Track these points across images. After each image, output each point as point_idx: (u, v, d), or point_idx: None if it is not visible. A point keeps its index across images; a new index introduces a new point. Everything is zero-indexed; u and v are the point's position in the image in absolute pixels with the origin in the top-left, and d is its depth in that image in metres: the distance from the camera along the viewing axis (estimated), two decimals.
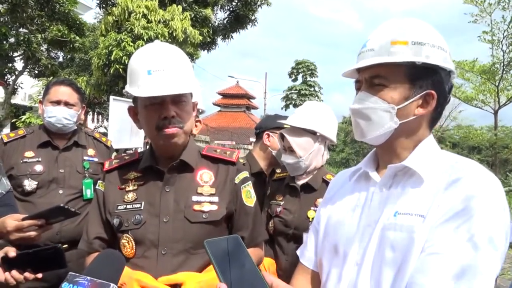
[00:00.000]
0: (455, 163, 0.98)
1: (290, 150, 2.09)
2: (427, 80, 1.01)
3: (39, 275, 1.42)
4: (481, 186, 0.90)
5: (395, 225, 0.95)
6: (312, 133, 2.09)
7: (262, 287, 0.86)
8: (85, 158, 2.41)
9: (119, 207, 1.39)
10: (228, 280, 0.85)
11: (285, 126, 2.28)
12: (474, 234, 0.85)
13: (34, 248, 1.45)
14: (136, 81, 1.34)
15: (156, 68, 1.31)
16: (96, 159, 2.45)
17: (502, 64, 4.71)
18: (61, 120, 2.31)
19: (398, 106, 1.01)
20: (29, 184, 2.22)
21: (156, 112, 1.33)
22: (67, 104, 2.34)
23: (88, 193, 2.35)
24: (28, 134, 2.40)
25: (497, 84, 4.82)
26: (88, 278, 0.96)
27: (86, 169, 2.38)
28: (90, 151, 2.46)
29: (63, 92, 2.36)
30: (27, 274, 1.41)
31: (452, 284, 0.83)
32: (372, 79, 1.04)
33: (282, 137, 2.16)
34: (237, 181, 1.47)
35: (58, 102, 2.33)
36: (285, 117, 2.40)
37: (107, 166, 1.51)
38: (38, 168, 2.27)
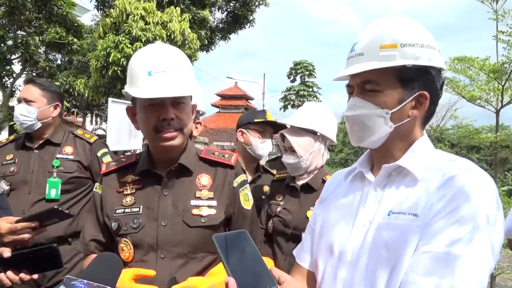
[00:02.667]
0: (449, 162, 0.98)
1: (291, 150, 2.10)
2: (418, 81, 1.01)
3: (35, 276, 1.42)
4: (474, 184, 0.90)
5: (389, 224, 0.96)
6: (312, 133, 2.10)
7: (270, 281, 0.86)
8: (57, 156, 2.34)
9: (117, 211, 1.39)
10: (236, 274, 0.86)
11: (277, 124, 2.32)
12: (468, 231, 0.85)
13: (29, 248, 1.45)
14: (136, 81, 1.32)
15: (156, 69, 1.29)
16: (72, 157, 2.37)
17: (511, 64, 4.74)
18: (17, 116, 2.29)
19: (392, 110, 1.01)
20: (2, 186, 2.18)
21: (155, 113, 1.32)
22: (26, 100, 2.32)
23: (53, 193, 2.25)
24: (17, 138, 2.43)
25: (503, 83, 4.83)
26: (85, 281, 0.96)
27: (55, 167, 2.30)
28: (67, 149, 2.39)
29: (24, 89, 2.38)
30: (22, 275, 1.40)
31: (446, 282, 0.83)
32: (363, 84, 1.04)
33: (282, 137, 2.16)
34: (235, 184, 1.47)
35: (19, 100, 2.36)
36: (262, 112, 2.44)
37: (104, 168, 1.51)
38: (12, 168, 2.27)
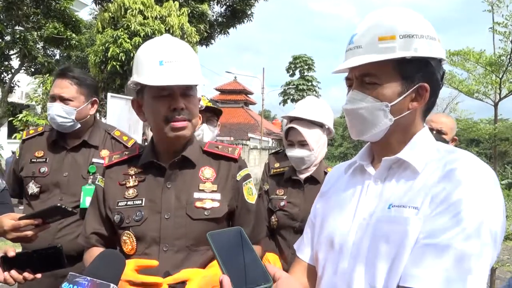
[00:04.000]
0: (449, 154, 0.98)
1: (300, 144, 2.09)
2: (418, 73, 0.99)
3: (38, 275, 1.42)
4: (474, 177, 0.90)
5: (389, 217, 0.95)
6: (320, 126, 2.12)
7: (265, 278, 0.86)
8: (94, 160, 2.11)
9: (119, 204, 1.39)
10: (231, 271, 0.85)
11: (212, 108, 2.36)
12: (468, 225, 0.85)
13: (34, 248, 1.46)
14: (146, 71, 1.32)
15: (168, 59, 1.31)
16: None
17: (508, 57, 4.73)
18: (55, 118, 2.04)
19: (392, 103, 1.00)
20: (32, 187, 2.05)
21: (165, 103, 1.32)
22: (62, 99, 2.07)
23: (88, 201, 1.99)
24: (46, 131, 2.21)
25: (500, 76, 4.84)
26: (88, 278, 0.96)
27: (91, 173, 2.07)
28: (104, 153, 2.13)
29: (59, 85, 2.09)
30: (26, 274, 1.41)
31: (445, 274, 0.83)
32: (362, 77, 1.02)
33: (287, 131, 2.16)
34: (238, 178, 1.47)
35: (53, 98, 2.09)
36: None
37: (107, 161, 1.50)
38: (43, 169, 2.07)
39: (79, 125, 2.13)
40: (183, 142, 1.41)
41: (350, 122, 1.09)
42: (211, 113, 2.45)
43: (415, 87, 1.00)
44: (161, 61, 1.30)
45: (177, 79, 1.29)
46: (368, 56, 0.99)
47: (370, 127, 1.03)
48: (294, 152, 2.11)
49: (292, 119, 2.18)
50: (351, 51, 1.03)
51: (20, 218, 1.57)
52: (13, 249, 1.43)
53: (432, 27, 1.02)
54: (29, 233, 1.58)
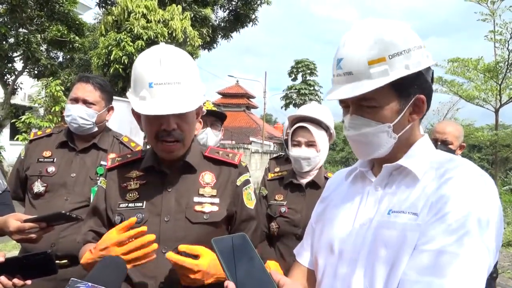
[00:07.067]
0: (448, 163, 0.99)
1: (308, 144, 2.08)
2: (413, 86, 0.99)
3: (28, 282, 1.39)
4: (472, 184, 0.90)
5: (389, 223, 0.96)
6: (325, 129, 2.14)
7: (270, 284, 0.86)
8: (102, 163, 2.15)
9: (120, 205, 1.41)
10: (236, 278, 0.85)
11: (215, 112, 2.39)
12: (465, 232, 0.85)
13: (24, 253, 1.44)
14: (138, 90, 1.31)
15: (158, 81, 1.27)
16: None
17: (506, 63, 4.75)
18: (76, 119, 2.11)
19: (393, 122, 1.00)
20: (38, 186, 2.07)
21: (157, 122, 1.32)
22: (85, 102, 2.14)
23: None
24: (54, 133, 2.26)
25: (499, 82, 4.85)
26: (90, 284, 0.96)
27: (99, 175, 2.11)
28: (112, 156, 2.21)
29: (82, 88, 2.16)
30: (16, 280, 1.38)
31: (441, 281, 0.83)
32: (359, 101, 1.01)
33: (294, 131, 2.15)
34: (238, 183, 1.48)
35: (76, 100, 2.14)
36: None
37: (109, 163, 1.53)
38: (50, 169, 2.10)
39: (96, 129, 2.20)
40: (176, 158, 1.42)
41: (355, 146, 1.08)
42: (215, 118, 2.46)
43: (412, 100, 1.00)
44: (151, 83, 1.27)
45: (165, 108, 1.26)
46: (362, 84, 0.97)
47: (376, 148, 1.03)
48: (301, 152, 2.08)
49: (300, 119, 2.16)
50: (342, 77, 1.01)
51: (25, 221, 1.58)
52: (2, 254, 1.40)
53: (416, 35, 1.00)
54: (33, 235, 1.59)
